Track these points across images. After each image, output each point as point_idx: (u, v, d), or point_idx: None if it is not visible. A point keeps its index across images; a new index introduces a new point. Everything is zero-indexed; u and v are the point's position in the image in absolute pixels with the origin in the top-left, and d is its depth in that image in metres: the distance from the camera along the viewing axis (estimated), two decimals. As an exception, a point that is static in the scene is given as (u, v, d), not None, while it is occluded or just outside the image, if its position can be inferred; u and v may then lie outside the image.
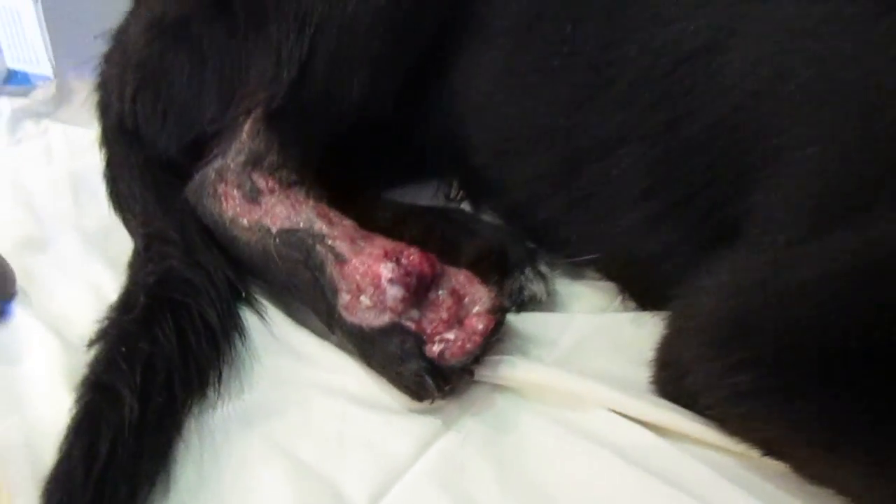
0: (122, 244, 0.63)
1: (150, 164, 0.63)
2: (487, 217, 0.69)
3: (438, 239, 0.60)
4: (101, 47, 0.72)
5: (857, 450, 0.42)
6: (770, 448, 0.45)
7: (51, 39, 0.79)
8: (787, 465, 0.45)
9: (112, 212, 0.66)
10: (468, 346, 0.49)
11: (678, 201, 0.50)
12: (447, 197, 0.70)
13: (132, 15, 0.66)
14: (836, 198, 0.42)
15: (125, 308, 0.51)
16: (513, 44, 0.57)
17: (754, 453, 0.47)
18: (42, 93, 0.85)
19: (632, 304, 0.60)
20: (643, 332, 0.55)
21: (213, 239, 0.58)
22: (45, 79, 0.83)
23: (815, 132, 0.42)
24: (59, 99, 0.84)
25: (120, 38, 0.66)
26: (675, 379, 0.49)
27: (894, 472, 0.41)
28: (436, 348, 0.50)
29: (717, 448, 0.48)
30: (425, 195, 0.72)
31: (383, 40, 0.55)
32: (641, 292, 0.57)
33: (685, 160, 0.49)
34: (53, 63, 0.81)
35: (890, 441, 0.41)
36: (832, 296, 0.42)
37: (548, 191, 0.58)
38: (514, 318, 0.57)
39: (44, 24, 0.77)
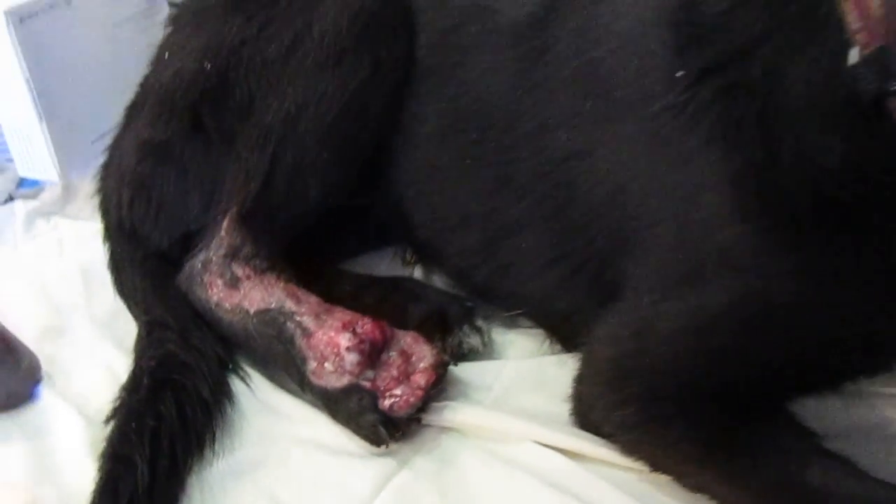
0: (130, 325, 0.74)
1: (147, 258, 0.75)
2: (437, 279, 0.81)
3: (390, 306, 0.72)
4: (97, 149, 0.85)
5: (717, 465, 0.53)
6: (655, 465, 0.56)
7: (55, 149, 0.91)
8: (671, 478, 0.56)
9: (118, 298, 0.78)
10: (412, 399, 0.61)
11: (575, 269, 0.62)
12: (403, 261, 0.82)
13: (123, 130, 0.79)
14: (678, 266, 0.53)
15: (133, 389, 0.63)
16: (436, 147, 0.69)
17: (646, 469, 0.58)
18: (50, 194, 0.96)
19: (558, 347, 0.71)
20: (566, 371, 0.65)
21: (203, 321, 0.70)
22: (52, 183, 0.96)
23: (656, 219, 0.54)
24: (66, 197, 0.95)
25: (114, 151, 0.79)
26: (584, 413, 0.61)
27: (747, 482, 0.52)
28: (386, 403, 0.61)
29: (619, 467, 0.59)
30: (385, 261, 0.84)
31: (332, 151, 0.67)
32: (562, 339, 0.68)
33: (573, 237, 0.60)
34: (59, 169, 0.93)
35: (740, 457, 0.52)
36: (684, 346, 0.53)
37: (478, 261, 0.69)
38: (456, 369, 0.68)
39: (49, 139, 0.90)
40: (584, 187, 0.58)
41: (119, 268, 0.77)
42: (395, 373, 0.63)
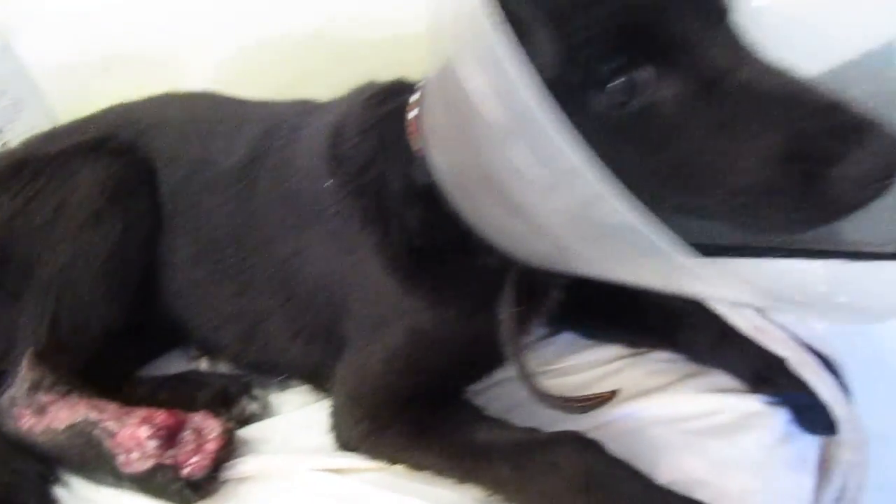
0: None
1: None
2: (222, 365, 1.00)
3: (180, 396, 0.89)
4: None
5: (420, 445, 0.76)
6: (391, 460, 0.77)
7: None
8: (405, 466, 0.79)
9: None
10: (205, 463, 0.78)
11: (311, 337, 0.84)
12: (191, 357, 1.00)
13: None
14: (372, 319, 0.77)
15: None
16: (191, 269, 0.89)
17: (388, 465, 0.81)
18: None
19: (321, 395, 0.93)
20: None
21: (21, 446, 0.83)
22: None
23: (351, 291, 0.78)
24: None
25: None
26: (339, 437, 0.81)
27: (441, 450, 0.73)
28: (186, 471, 0.78)
29: (375, 470, 0.77)
30: (176, 359, 1.01)
31: (103, 290, 0.85)
32: (320, 388, 0.90)
33: (304, 315, 0.83)
34: None
35: (433, 436, 0.75)
36: (384, 371, 0.77)
37: (244, 347, 0.90)
38: (242, 431, 0.86)
39: None
40: (302, 278, 0.82)
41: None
42: (190, 447, 0.81)
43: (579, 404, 0.69)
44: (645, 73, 0.51)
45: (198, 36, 1.30)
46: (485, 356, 0.77)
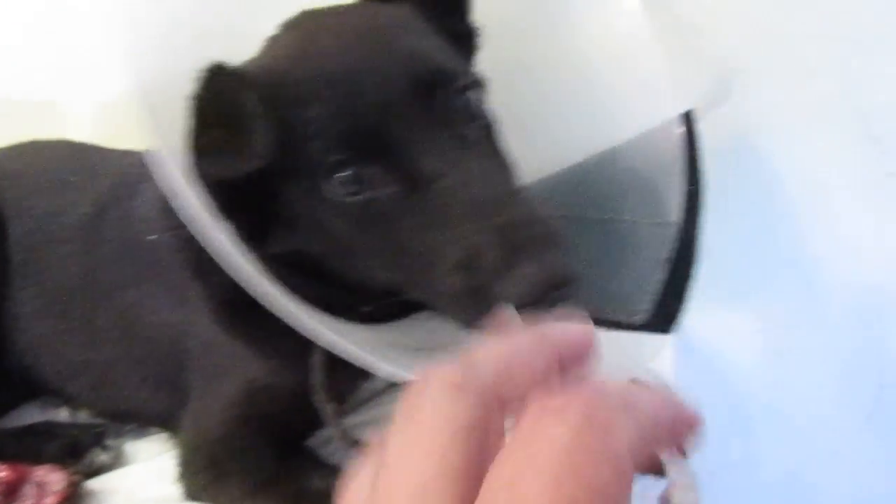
0: None
1: None
2: (84, 415, 0.99)
3: (27, 449, 0.88)
4: None
5: (261, 492, 0.77)
6: None
7: None
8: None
9: None
10: None
11: (158, 383, 0.85)
12: (51, 407, 0.99)
13: None
14: (210, 370, 0.79)
15: None
16: (40, 321, 0.89)
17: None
18: None
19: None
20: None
21: None
22: None
23: (190, 341, 0.79)
24: None
25: None
26: (184, 487, 0.82)
27: (279, 496, 0.76)
28: None
29: None
30: (35, 410, 1.00)
31: None
32: (173, 434, 0.91)
33: (150, 362, 0.84)
34: None
35: (272, 482, 0.76)
36: (221, 421, 0.78)
37: (95, 394, 0.90)
38: (92, 482, 0.86)
39: None
40: (146, 325, 0.83)
41: None
42: (30, 501, 0.80)
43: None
44: (371, 170, 0.58)
45: (81, 81, 1.31)
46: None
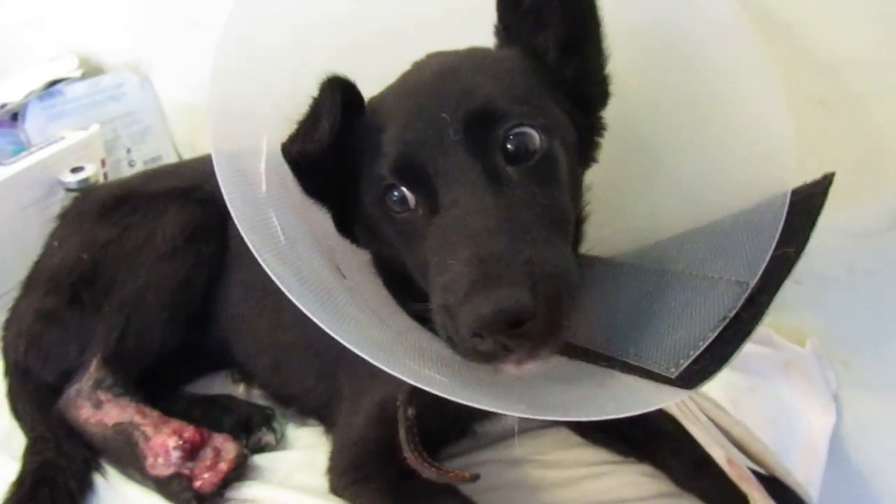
0: (22, 441, 1.02)
1: (35, 389, 1.03)
2: (257, 395, 1.13)
3: (210, 416, 1.03)
4: (3, 304, 1.15)
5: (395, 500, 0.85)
6: None
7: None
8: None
9: (13, 419, 1.05)
10: (215, 480, 0.91)
11: (321, 374, 0.96)
12: (231, 380, 1.14)
13: (21, 298, 1.09)
14: (358, 381, 0.88)
15: (20, 484, 0.90)
16: (240, 304, 1.04)
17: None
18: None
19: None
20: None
21: (74, 433, 0.98)
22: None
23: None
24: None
25: (13, 313, 1.08)
26: (330, 482, 0.92)
27: None
28: (197, 483, 0.91)
29: None
30: (218, 381, 1.16)
31: (168, 314, 1.00)
32: (329, 427, 1.00)
33: (317, 355, 0.95)
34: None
35: (408, 495, 0.84)
36: (365, 432, 0.86)
37: (271, 376, 1.03)
38: (256, 458, 0.98)
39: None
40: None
41: (14, 397, 1.05)
42: (207, 463, 0.93)
43: (438, 471, 0.75)
44: (412, 194, 0.69)
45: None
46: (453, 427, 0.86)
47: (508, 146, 0.67)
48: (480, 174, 0.65)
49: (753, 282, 0.63)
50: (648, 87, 0.81)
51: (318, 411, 1.00)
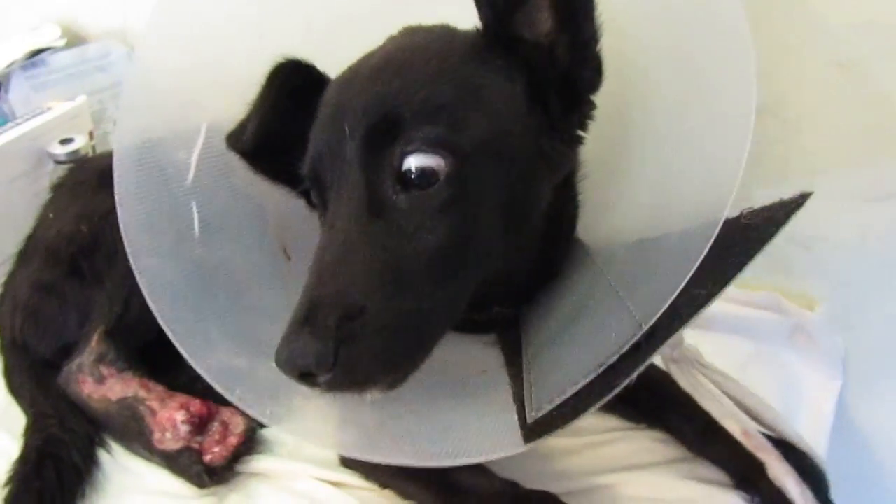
0: (20, 417, 0.99)
1: (33, 364, 1.01)
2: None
3: (215, 391, 1.01)
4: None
5: (406, 477, 0.84)
6: (382, 485, 0.86)
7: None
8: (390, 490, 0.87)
9: (10, 396, 1.02)
10: (224, 453, 0.89)
11: None
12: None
13: (15, 271, 1.05)
14: None
15: (23, 462, 0.88)
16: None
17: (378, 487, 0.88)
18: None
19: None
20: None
21: (77, 409, 0.96)
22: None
23: None
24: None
25: (8, 287, 1.05)
26: (342, 456, 0.91)
27: (419, 481, 0.82)
28: (207, 457, 0.89)
29: (364, 489, 0.87)
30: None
31: None
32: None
33: None
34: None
35: (435, 489, 0.82)
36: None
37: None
38: (264, 431, 0.97)
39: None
40: None
41: (11, 373, 1.02)
42: (216, 437, 0.91)
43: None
44: (317, 200, 0.71)
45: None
46: None
47: (403, 169, 0.62)
48: (362, 199, 0.62)
49: (645, 327, 0.55)
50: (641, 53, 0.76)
51: None
